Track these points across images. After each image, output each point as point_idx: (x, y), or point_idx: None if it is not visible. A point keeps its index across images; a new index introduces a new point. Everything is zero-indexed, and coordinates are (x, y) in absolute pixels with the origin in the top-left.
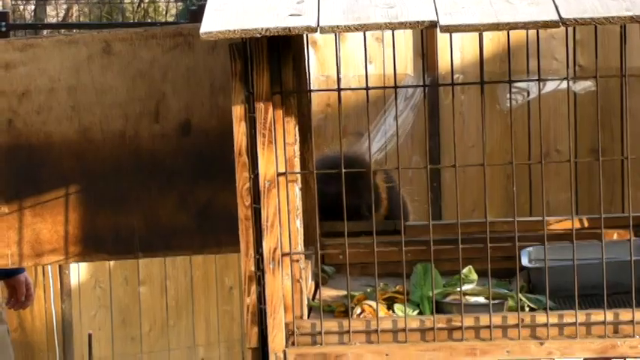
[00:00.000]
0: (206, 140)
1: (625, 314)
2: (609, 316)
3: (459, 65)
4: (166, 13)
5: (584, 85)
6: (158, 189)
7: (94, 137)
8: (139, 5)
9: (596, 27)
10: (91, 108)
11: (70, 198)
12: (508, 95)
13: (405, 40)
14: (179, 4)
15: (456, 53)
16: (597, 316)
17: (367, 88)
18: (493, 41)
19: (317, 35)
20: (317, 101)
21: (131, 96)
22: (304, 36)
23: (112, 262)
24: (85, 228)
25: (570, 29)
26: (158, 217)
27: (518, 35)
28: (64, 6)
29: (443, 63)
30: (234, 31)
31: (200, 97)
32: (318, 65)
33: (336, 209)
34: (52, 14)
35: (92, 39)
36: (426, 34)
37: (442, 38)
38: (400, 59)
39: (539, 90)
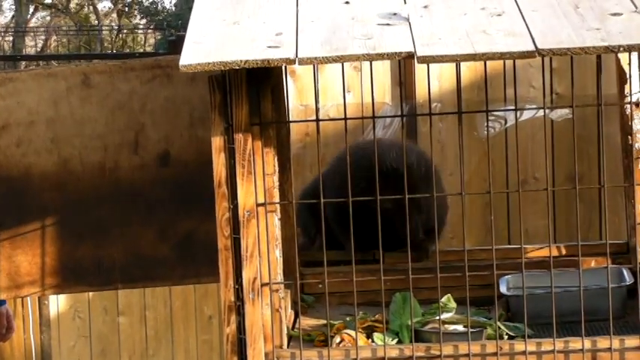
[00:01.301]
0: (185, 171)
1: (603, 342)
2: (587, 343)
3: (437, 94)
4: (145, 42)
5: (561, 113)
6: (138, 220)
7: (73, 169)
8: (118, 35)
9: (572, 57)
10: (70, 140)
11: (50, 229)
12: (486, 124)
13: (384, 69)
14: (157, 34)
15: (434, 82)
16: (575, 343)
17: (345, 119)
18: (471, 69)
19: (295, 66)
20: (296, 130)
21: (110, 127)
22: (285, 67)
23: (91, 293)
24: (64, 259)
25: (547, 58)
26: (138, 248)
27: (495, 64)
28: (43, 37)
29: (421, 91)
30: (213, 63)
31: (179, 128)
32: (297, 94)
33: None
34: (31, 44)
35: (71, 72)
36: (404, 63)
37: (420, 67)
38: (379, 88)
39: (516, 119)
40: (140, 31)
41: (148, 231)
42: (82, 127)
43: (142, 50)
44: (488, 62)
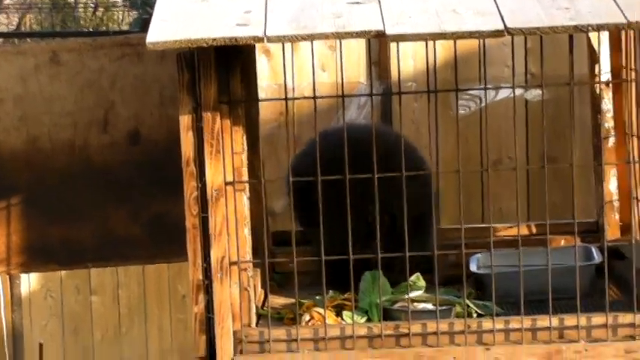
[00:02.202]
0: (156, 150)
1: (570, 319)
2: (554, 321)
3: (412, 73)
4: (122, 21)
5: (535, 93)
6: (108, 198)
7: (42, 147)
8: (94, 14)
9: (541, 36)
10: (39, 118)
11: (18, 208)
12: (459, 103)
13: (359, 48)
14: (134, 12)
15: (409, 61)
16: (543, 321)
17: (315, 97)
18: (445, 48)
19: (269, 44)
20: (271, 110)
21: (79, 105)
22: (255, 45)
23: (63, 272)
24: (33, 238)
25: (521, 37)
26: (108, 227)
27: (471, 43)
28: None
29: (396, 70)
30: (181, 40)
31: (149, 107)
32: (272, 74)
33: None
34: (5, 22)
35: (40, 49)
36: (378, 42)
37: (395, 47)
38: (354, 67)
39: (486, 98)
40: (116, 9)
41: (119, 210)
42: (51, 104)
43: (118, 29)
44: (464, 41)
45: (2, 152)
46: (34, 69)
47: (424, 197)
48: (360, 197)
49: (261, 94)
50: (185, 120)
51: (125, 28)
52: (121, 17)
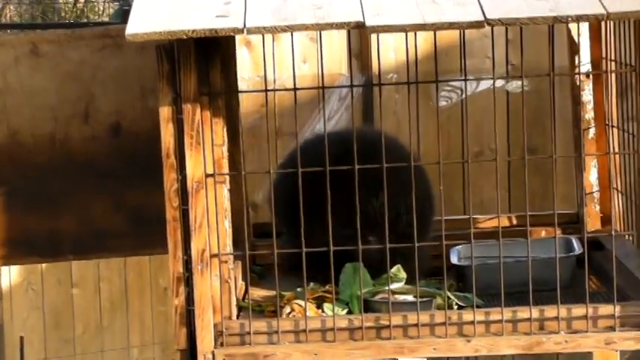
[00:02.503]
0: (137, 142)
1: (550, 311)
2: (535, 312)
3: (393, 65)
4: (102, 12)
5: (516, 84)
6: (90, 191)
7: (23, 140)
8: (75, 5)
9: (521, 27)
10: (19, 110)
11: (0, 201)
12: (440, 95)
13: (340, 39)
14: (115, 4)
15: (390, 53)
16: (523, 313)
17: (295, 89)
18: (427, 40)
19: (250, 36)
20: (252, 102)
21: (60, 98)
22: (234, 37)
23: (44, 264)
24: (14, 230)
25: (502, 28)
26: (90, 219)
27: (452, 35)
28: None
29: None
30: (161, 32)
31: (130, 99)
32: (253, 65)
33: None
34: None
35: (19, 41)
36: (359, 34)
37: (376, 37)
38: (335, 59)
39: (465, 89)
40: (97, 1)
41: (100, 202)
42: (32, 97)
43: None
44: (445, 33)
45: None
46: (14, 61)
47: (425, 201)
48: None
49: (243, 86)
50: (165, 112)
51: (106, 19)
52: (101, 9)
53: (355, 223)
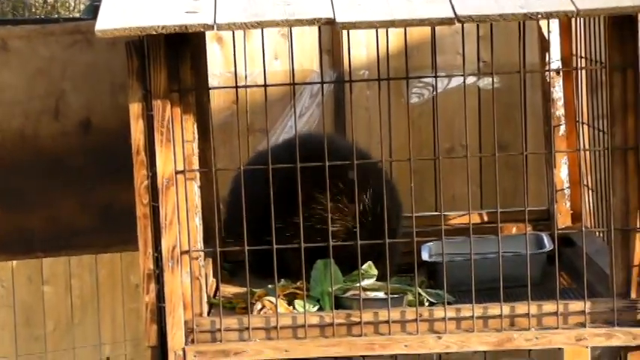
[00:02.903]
0: (107, 138)
1: (521, 307)
2: (505, 309)
3: (365, 61)
4: (73, 8)
5: (488, 81)
6: (59, 188)
7: None
8: (45, 1)
9: (491, 24)
10: None
11: None
12: (412, 91)
13: (312, 35)
14: None
15: (362, 50)
16: (494, 309)
17: (265, 85)
18: (398, 37)
19: (222, 32)
20: (223, 98)
21: (30, 94)
22: (204, 33)
23: (14, 261)
24: None
25: (473, 25)
26: (59, 216)
27: (424, 31)
28: None
29: (352, 59)
30: (130, 28)
31: (100, 95)
32: (224, 61)
33: None
34: None
35: None
36: (330, 30)
37: (347, 35)
38: (307, 56)
39: (436, 87)
40: None
41: (70, 199)
42: (1, 93)
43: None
44: (417, 29)
45: None
46: None
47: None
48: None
49: (214, 82)
50: (135, 108)
51: (77, 15)
52: (72, 4)
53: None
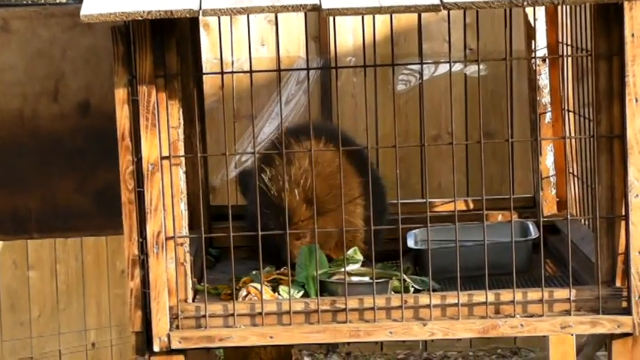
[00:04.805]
0: (106, 121)
1: (506, 295)
2: (490, 296)
3: (351, 48)
4: None
5: (474, 69)
6: (56, 169)
7: None
8: None
9: (477, 10)
10: None
11: None
12: (398, 78)
13: (299, 23)
14: None
15: (348, 36)
16: (479, 296)
17: (251, 72)
18: (385, 24)
19: (209, 18)
20: (210, 84)
21: (30, 75)
22: (195, 19)
23: (0, 246)
24: None
25: (460, 12)
26: (56, 198)
27: (411, 18)
28: None
29: (338, 45)
30: (115, 13)
31: (100, 78)
32: (211, 48)
33: None
34: None
35: None
36: (317, 16)
37: (333, 21)
38: (294, 42)
39: (422, 74)
40: None
41: (67, 181)
42: (1, 73)
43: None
44: (405, 17)
45: None
46: None
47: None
48: None
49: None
50: (120, 93)
51: None
52: None
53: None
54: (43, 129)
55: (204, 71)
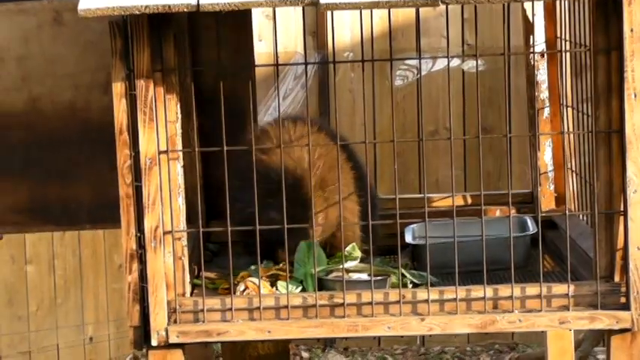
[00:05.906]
0: None
1: (504, 290)
2: (489, 291)
3: (349, 43)
4: None
5: (473, 64)
6: (107, 161)
7: (43, 108)
8: None
9: (475, 6)
10: (41, 78)
11: (17, 168)
12: (396, 73)
13: (296, 17)
14: None
15: (346, 31)
16: (477, 291)
17: (251, 66)
18: (383, 19)
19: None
20: None
21: (81, 67)
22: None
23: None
24: (31, 199)
25: (458, 7)
26: (106, 189)
27: (409, 13)
28: None
29: (336, 40)
30: (113, 8)
31: None
32: None
33: None
34: None
35: (42, 8)
36: (315, 11)
37: (331, 16)
38: (292, 37)
39: (420, 69)
40: None
41: (116, 172)
42: (53, 65)
43: None
44: (403, 11)
45: (1, 112)
46: (37, 28)
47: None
48: None
49: None
50: (118, 87)
51: None
52: None
53: None
54: (93, 121)
55: None
